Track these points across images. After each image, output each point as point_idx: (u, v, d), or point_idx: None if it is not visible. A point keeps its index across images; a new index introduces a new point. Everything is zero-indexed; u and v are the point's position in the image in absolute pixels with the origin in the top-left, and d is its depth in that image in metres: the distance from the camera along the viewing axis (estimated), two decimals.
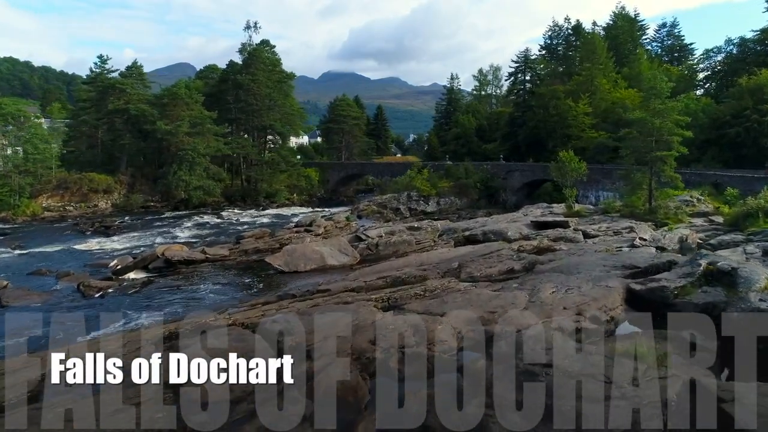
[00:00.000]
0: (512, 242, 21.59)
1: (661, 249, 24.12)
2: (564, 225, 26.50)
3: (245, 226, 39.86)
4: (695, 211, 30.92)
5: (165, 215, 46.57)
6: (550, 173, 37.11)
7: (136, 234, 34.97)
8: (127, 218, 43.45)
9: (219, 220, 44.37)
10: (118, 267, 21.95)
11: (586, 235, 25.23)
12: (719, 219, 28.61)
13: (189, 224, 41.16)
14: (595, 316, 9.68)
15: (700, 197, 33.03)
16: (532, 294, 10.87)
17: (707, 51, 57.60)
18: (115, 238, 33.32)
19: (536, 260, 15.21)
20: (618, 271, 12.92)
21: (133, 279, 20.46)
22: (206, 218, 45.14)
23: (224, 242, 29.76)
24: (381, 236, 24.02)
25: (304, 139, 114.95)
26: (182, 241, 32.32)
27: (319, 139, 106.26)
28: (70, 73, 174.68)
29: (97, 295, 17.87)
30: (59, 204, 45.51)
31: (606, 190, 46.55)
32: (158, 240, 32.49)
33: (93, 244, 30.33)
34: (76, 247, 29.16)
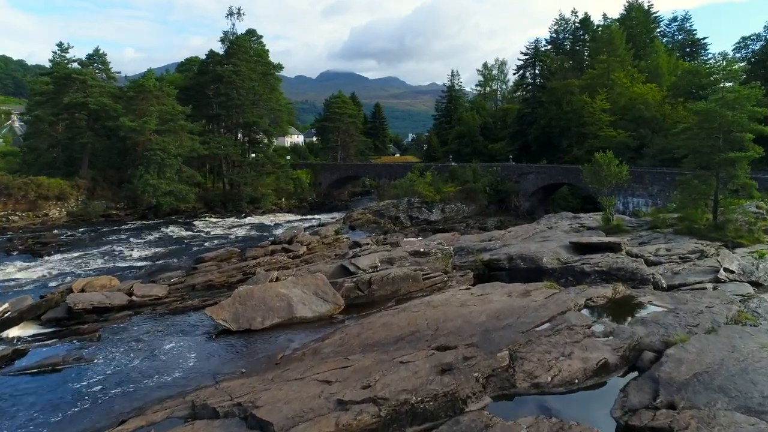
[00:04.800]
0: (561, 284, 15.22)
1: (756, 285, 18.04)
2: (615, 248, 20.14)
3: (215, 242, 33.43)
4: None
5: (126, 226, 39.98)
6: (583, 178, 30.64)
7: (76, 254, 28.40)
8: (78, 231, 36.87)
9: (188, 233, 37.81)
10: (4, 316, 15.52)
11: (647, 263, 19.15)
12: None
13: (149, 238, 34.65)
14: None
15: None
16: None
17: (744, 38, 51.40)
18: (46, 259, 26.79)
19: (638, 342, 8.69)
20: None
21: (10, 338, 14.03)
22: (173, 230, 38.56)
23: (177, 267, 23.40)
24: (376, 267, 17.63)
25: (299, 139, 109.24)
26: (127, 264, 25.95)
27: (314, 139, 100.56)
28: None
29: None
30: (1, 213, 38.86)
31: (636, 196, 40.79)
32: (98, 263, 25.98)
33: (8, 270, 23.74)
34: None
